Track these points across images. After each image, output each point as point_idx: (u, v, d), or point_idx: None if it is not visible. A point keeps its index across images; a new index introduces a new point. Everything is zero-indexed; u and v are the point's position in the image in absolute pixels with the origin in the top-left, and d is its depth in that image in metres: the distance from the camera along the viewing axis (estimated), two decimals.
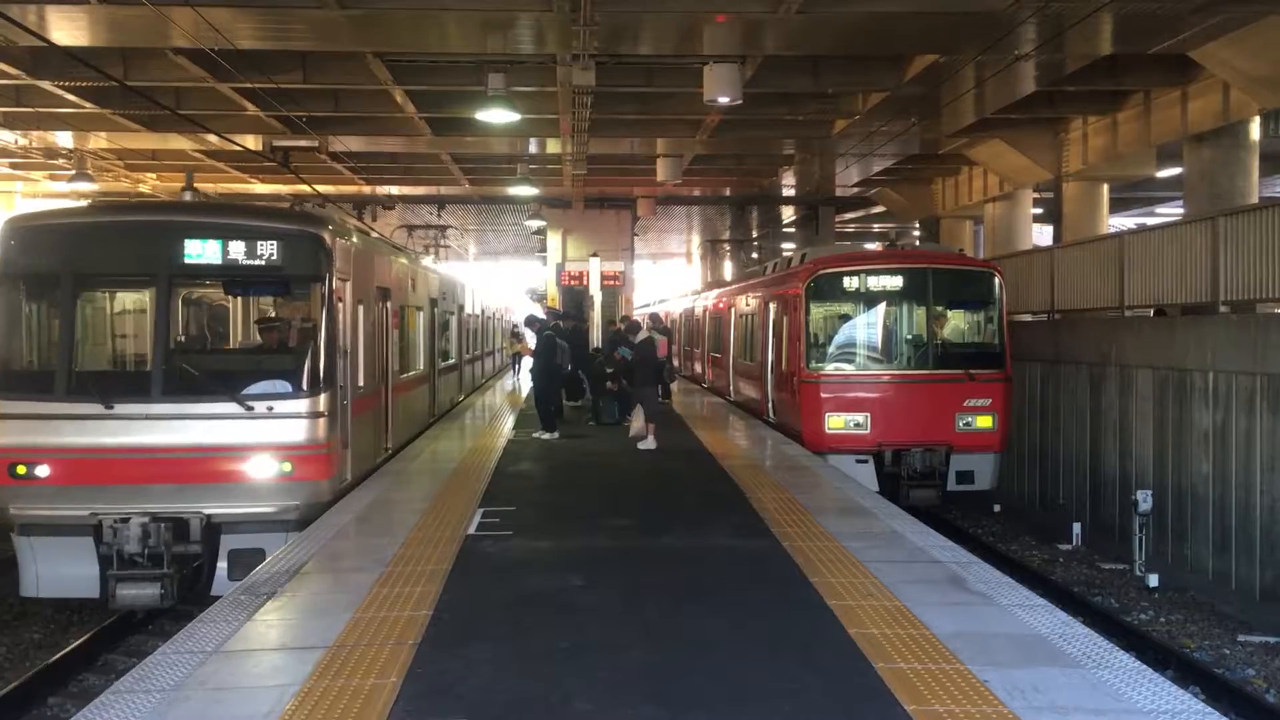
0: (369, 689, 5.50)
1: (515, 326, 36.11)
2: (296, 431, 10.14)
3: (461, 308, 23.51)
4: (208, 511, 9.99)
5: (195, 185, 11.60)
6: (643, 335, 16.51)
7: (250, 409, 9.99)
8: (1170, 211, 36.05)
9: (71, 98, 19.12)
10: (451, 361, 21.93)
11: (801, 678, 5.70)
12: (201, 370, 10.46)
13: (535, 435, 16.44)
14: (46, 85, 18.25)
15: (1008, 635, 6.38)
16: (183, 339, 11.87)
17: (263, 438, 10.03)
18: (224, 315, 13.34)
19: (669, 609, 7.03)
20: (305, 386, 10.28)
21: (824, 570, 7.92)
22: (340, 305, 10.95)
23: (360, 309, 11.96)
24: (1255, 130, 19.05)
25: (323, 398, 10.32)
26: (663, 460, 14.23)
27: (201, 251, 10.33)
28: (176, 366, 10.32)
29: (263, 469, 10.01)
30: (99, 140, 23.59)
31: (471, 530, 9.43)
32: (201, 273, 10.79)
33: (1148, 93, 20.52)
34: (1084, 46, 15.87)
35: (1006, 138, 23.85)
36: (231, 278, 10.82)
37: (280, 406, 10.12)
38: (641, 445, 15.08)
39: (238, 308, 13.18)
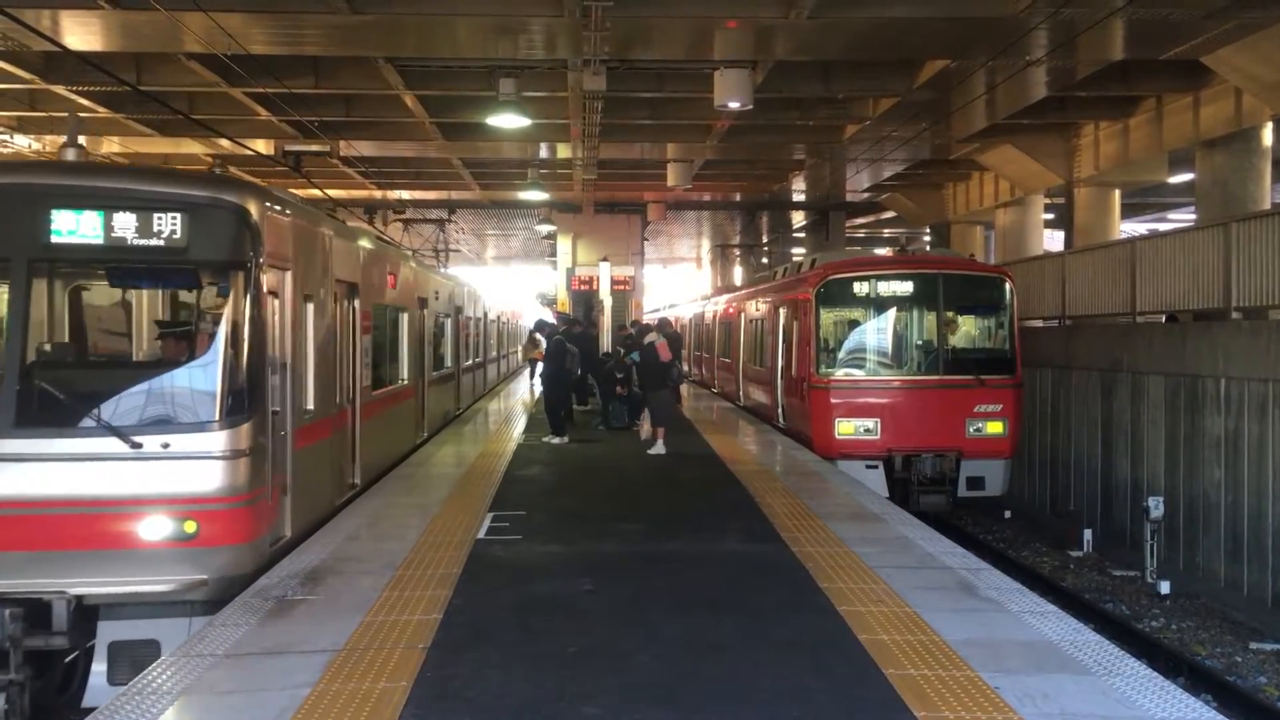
0: (379, 692, 5.51)
1: (534, 331, 35.99)
2: (203, 477, 7.59)
3: (460, 309, 21.59)
4: (78, 590, 7.29)
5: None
6: (649, 339, 16.55)
7: (138, 446, 7.45)
8: (1182, 217, 35.95)
9: (85, 102, 19.22)
10: (447, 370, 19.93)
11: (811, 684, 5.69)
12: (69, 392, 7.64)
13: (545, 440, 16.45)
14: (60, 90, 18.35)
15: (1018, 642, 6.36)
16: (48, 348, 8.61)
17: (156, 487, 7.49)
18: (118, 316, 10.01)
19: (678, 614, 7.02)
20: (217, 414, 7.70)
21: (834, 576, 7.91)
22: (275, 302, 8.58)
23: (310, 308, 9.58)
24: (1268, 136, 19.00)
25: (244, 429, 7.78)
26: (672, 465, 14.23)
27: (75, 226, 7.67)
28: (34, 387, 7.58)
29: (156, 530, 7.47)
30: (111, 145, 23.70)
31: (481, 534, 9.44)
32: (75, 256, 7.99)
33: (1159, 98, 20.49)
34: (1096, 52, 15.85)
35: (1017, 143, 23.83)
36: (117, 263, 8.08)
37: (180, 443, 7.57)
38: (651, 450, 15.10)
39: (143, 305, 9.87)
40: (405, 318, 15.13)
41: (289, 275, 8.92)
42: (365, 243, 12.65)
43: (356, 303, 11.63)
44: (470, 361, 23.75)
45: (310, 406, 9.59)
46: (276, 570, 8.08)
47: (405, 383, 15.12)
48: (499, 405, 24.70)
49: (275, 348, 8.54)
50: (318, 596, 7.35)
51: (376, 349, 12.93)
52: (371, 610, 6.97)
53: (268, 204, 8.36)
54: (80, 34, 14.51)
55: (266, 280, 8.22)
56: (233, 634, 6.47)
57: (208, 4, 12.04)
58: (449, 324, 20.08)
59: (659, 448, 15.14)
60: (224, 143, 19.39)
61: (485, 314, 27.53)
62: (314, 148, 17.89)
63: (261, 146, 21.61)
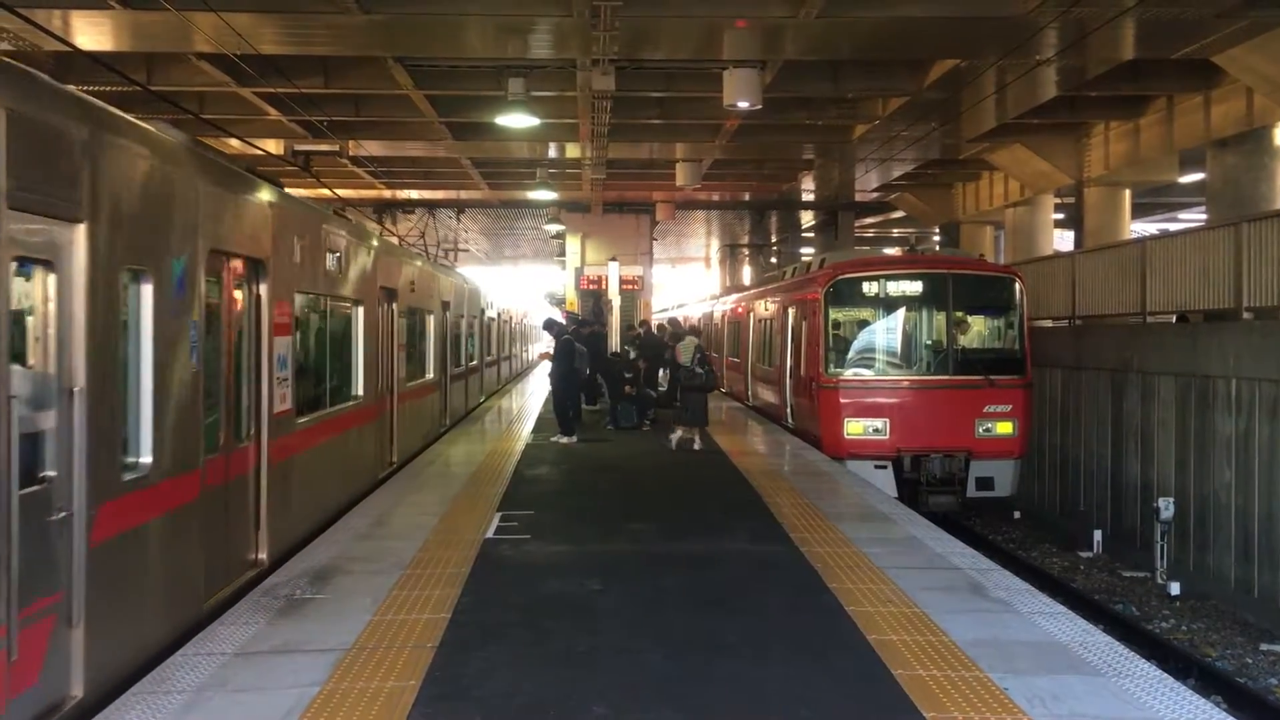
0: (388, 691, 5.52)
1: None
2: None
3: (448, 305, 18.82)
4: None
5: None
6: (685, 341, 16.82)
7: None
8: (1193, 217, 35.82)
9: (95, 103, 19.27)
10: (428, 380, 16.92)
11: (819, 684, 5.69)
12: None
13: (553, 440, 16.46)
14: (71, 90, 18.40)
15: (1028, 643, 6.34)
16: None
17: None
18: None
19: (686, 614, 7.02)
20: None
21: (842, 576, 7.90)
22: (46, 279, 5.25)
23: (143, 293, 6.28)
24: (1279, 136, 18.92)
25: None
26: (681, 465, 14.23)
27: None
28: None
29: None
30: None
31: (490, 533, 9.45)
32: None
33: (1170, 98, 20.43)
34: (1106, 51, 15.81)
35: (1027, 142, 23.77)
36: None
37: None
38: (676, 447, 15.49)
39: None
40: (361, 314, 12.06)
41: (80, 232, 5.46)
42: (275, 199, 8.81)
43: (262, 288, 8.27)
44: (462, 367, 21.11)
45: (144, 458, 6.27)
46: (285, 569, 8.09)
47: (359, 401, 11.91)
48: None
49: (43, 360, 5.19)
50: (326, 595, 7.36)
51: (305, 357, 9.87)
52: (380, 609, 6.98)
53: (9, 90, 4.84)
54: (91, 34, 14.56)
55: (13, 236, 4.83)
56: (242, 632, 6.48)
57: (218, 4, 12.06)
58: (433, 322, 17.44)
59: (675, 440, 15.54)
60: (234, 142, 19.43)
61: (484, 311, 25.23)
62: (324, 148, 17.96)
63: (271, 146, 21.66)
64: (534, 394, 27.07)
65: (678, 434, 15.73)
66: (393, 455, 13.96)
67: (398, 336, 14.14)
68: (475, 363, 23.34)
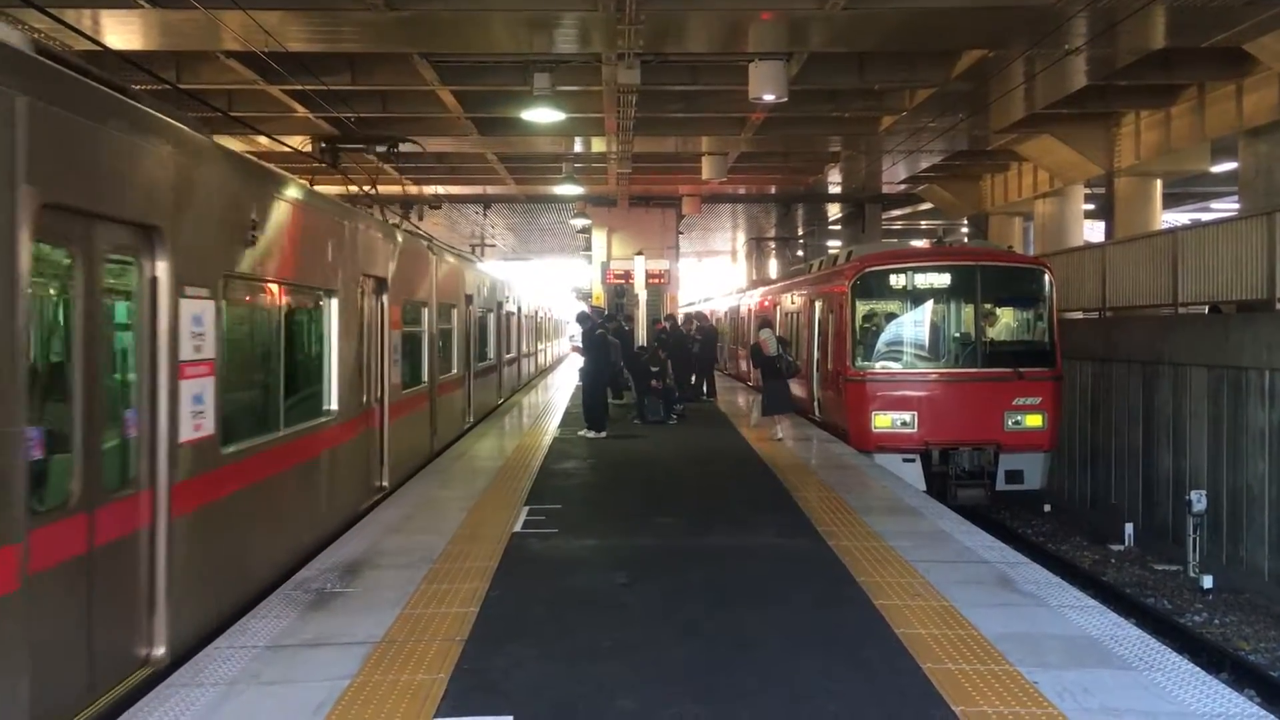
0: (417, 684, 5.56)
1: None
2: None
3: (384, 283, 11.67)
4: None
5: None
6: (763, 334, 17.00)
7: None
8: (1225, 207, 35.44)
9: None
10: (328, 415, 9.51)
11: (848, 678, 5.68)
12: None
13: (581, 434, 16.49)
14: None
15: (1057, 636, 6.31)
16: None
17: None
18: None
19: (713, 608, 7.02)
20: None
21: (870, 570, 7.88)
22: None
23: None
24: None
25: None
26: (707, 459, 14.23)
27: None
28: None
29: None
30: None
31: (517, 528, 9.49)
32: None
33: (1201, 86, 20.22)
34: (1136, 40, 15.65)
35: (1057, 133, 23.58)
36: None
37: None
38: (774, 438, 15.75)
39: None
40: (82, 297, 5.39)
41: None
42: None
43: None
44: (424, 383, 14.15)
45: None
46: (316, 563, 8.16)
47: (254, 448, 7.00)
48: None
49: None
50: (356, 589, 7.42)
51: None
52: (409, 603, 7.03)
53: None
54: (121, 33, 14.69)
55: None
56: (274, 625, 6.55)
57: (246, 2, 12.15)
58: (337, 312, 9.71)
59: (777, 433, 15.77)
60: (262, 140, 19.56)
61: (470, 298, 18.22)
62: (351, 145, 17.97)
63: (298, 143, 21.79)
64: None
65: (775, 425, 16.02)
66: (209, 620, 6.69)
67: (219, 344, 6.84)
68: (456, 371, 16.67)
